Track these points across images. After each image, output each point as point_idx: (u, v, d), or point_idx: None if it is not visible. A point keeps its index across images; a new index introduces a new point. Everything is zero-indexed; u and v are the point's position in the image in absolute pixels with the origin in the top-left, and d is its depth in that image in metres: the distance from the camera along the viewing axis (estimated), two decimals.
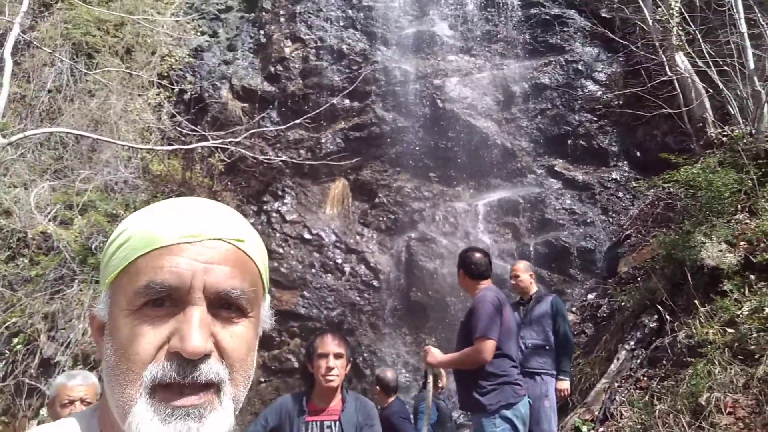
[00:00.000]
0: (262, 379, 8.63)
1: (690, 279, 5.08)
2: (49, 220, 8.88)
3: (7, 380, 7.62)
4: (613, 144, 10.26)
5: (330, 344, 2.86)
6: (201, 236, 0.70)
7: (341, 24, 11.91)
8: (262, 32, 12.03)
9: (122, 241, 0.71)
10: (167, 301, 0.67)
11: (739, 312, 4.52)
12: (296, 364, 8.67)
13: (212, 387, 0.67)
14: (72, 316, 8.41)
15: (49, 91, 10.20)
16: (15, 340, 7.98)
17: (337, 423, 2.77)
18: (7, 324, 8.00)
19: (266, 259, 0.79)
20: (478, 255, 4.00)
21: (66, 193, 9.36)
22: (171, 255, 0.68)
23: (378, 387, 5.25)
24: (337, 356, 2.84)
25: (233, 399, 0.70)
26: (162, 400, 0.65)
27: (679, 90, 7.87)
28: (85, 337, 8.29)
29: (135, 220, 0.73)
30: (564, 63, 10.94)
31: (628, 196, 9.59)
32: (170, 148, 7.10)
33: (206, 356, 0.66)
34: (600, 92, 10.57)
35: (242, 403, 0.73)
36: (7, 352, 7.92)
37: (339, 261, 9.71)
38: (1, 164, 8.49)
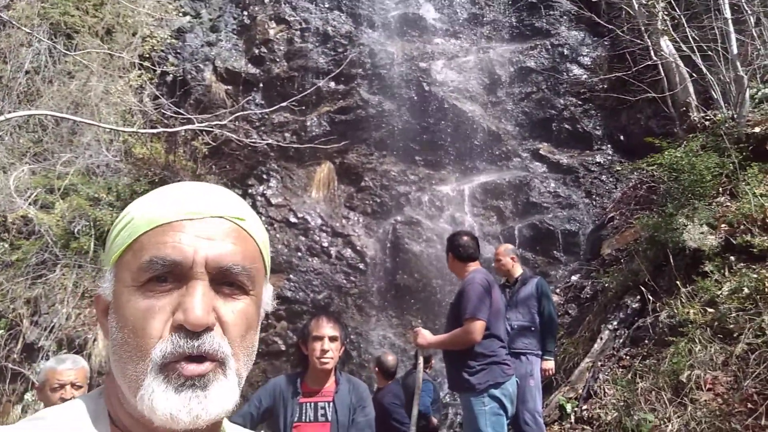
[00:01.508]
0: None
1: (672, 260, 5.18)
2: (30, 204, 8.73)
3: None
4: (597, 128, 10.34)
5: (325, 327, 2.88)
6: (203, 213, 0.71)
7: (326, 5, 11.77)
8: (245, 13, 11.85)
9: (126, 222, 0.73)
10: (170, 277, 0.68)
11: (719, 292, 4.63)
12: (283, 347, 8.70)
13: (216, 360, 0.68)
14: (55, 300, 8.33)
15: (27, 72, 9.96)
16: None
17: (331, 404, 2.80)
18: None
19: (267, 241, 0.81)
20: (465, 238, 4.05)
21: (47, 176, 9.20)
22: (174, 231, 0.69)
23: (377, 369, 5.30)
24: (332, 339, 2.86)
25: (237, 373, 0.71)
26: (172, 370, 0.66)
27: (663, 74, 7.95)
28: (69, 321, 8.23)
29: (138, 203, 0.75)
30: (549, 47, 10.96)
31: (611, 179, 9.71)
32: (154, 131, 7.00)
33: (209, 329, 0.68)
34: (585, 76, 10.63)
35: (244, 380, 0.74)
36: None
37: (325, 244, 9.72)
38: None
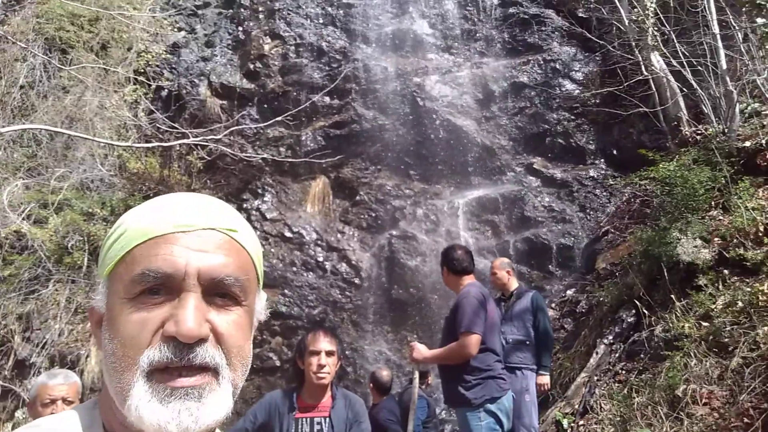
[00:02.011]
0: None
1: (666, 274, 5.20)
2: (23, 219, 8.69)
3: None
4: (590, 142, 10.42)
5: (322, 341, 2.87)
6: (195, 226, 0.71)
7: (321, 21, 11.87)
8: (240, 29, 11.93)
9: (119, 234, 0.73)
10: (163, 289, 0.69)
11: (713, 306, 4.65)
12: (278, 363, 8.64)
13: (210, 370, 0.68)
14: (48, 316, 8.26)
15: (22, 86, 9.96)
16: None
17: (327, 420, 2.78)
18: None
19: (260, 252, 0.81)
20: (459, 251, 4.07)
21: (40, 191, 9.16)
22: (166, 243, 0.69)
23: (372, 385, 5.28)
24: (329, 354, 2.85)
25: (232, 383, 0.71)
26: (160, 381, 0.66)
27: (654, 89, 8.04)
28: (62, 338, 8.15)
29: (131, 215, 0.75)
30: (542, 62, 11.07)
31: (605, 193, 9.76)
32: (149, 145, 7.01)
33: (202, 341, 0.68)
34: (577, 91, 10.73)
35: (239, 390, 0.74)
36: None
37: (320, 259, 9.70)
38: None
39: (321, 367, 2.79)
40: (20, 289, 8.24)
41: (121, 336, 0.68)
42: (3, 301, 8.10)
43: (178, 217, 0.71)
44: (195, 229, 0.71)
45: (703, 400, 3.76)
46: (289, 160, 9.54)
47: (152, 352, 0.66)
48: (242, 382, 0.74)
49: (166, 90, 10.98)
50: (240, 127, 9.54)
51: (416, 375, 4.09)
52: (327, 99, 10.89)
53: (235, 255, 0.73)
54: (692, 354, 4.20)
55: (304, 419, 2.78)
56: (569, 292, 7.92)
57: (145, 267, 0.68)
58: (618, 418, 4.25)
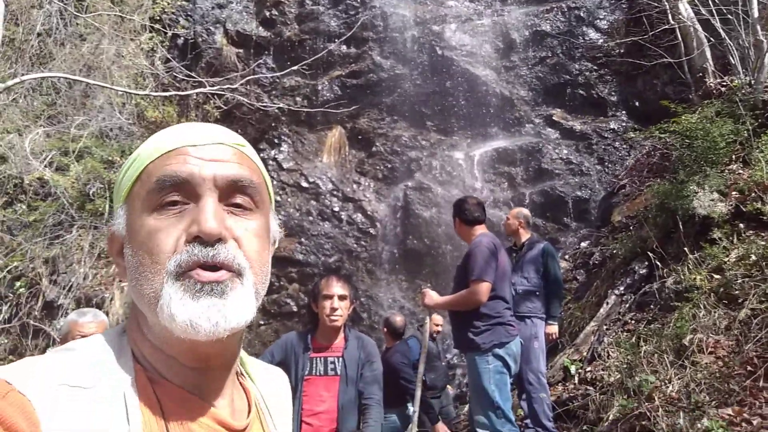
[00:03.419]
0: (262, 322, 8.86)
1: (681, 227, 5.19)
2: (45, 167, 8.86)
3: (13, 322, 7.81)
4: (613, 93, 10.20)
5: (335, 286, 2.97)
6: (204, 141, 0.74)
7: None
8: None
9: (132, 161, 0.75)
10: (181, 197, 0.70)
11: (726, 259, 4.65)
12: (295, 308, 8.88)
13: (233, 271, 0.69)
14: (72, 260, 8.53)
15: (39, 34, 9.96)
16: (17, 284, 8.12)
17: (341, 359, 2.91)
18: (9, 268, 8.12)
19: (267, 172, 0.83)
20: (471, 202, 4.11)
21: (61, 139, 9.31)
22: (179, 155, 0.72)
23: (385, 329, 5.41)
24: (341, 298, 2.95)
25: (254, 286, 0.72)
26: (188, 278, 0.67)
27: (680, 39, 7.78)
28: (86, 281, 8.45)
29: (143, 145, 0.77)
30: (566, 9, 10.74)
31: (624, 146, 9.62)
32: (166, 94, 7.03)
33: (223, 241, 0.69)
34: (601, 41, 10.42)
35: (261, 300, 0.75)
36: (10, 295, 8.07)
37: (336, 209, 9.80)
38: None
39: (334, 310, 2.90)
40: (45, 234, 8.50)
41: (147, 246, 0.69)
42: (30, 245, 8.37)
43: (188, 136, 0.74)
44: (204, 144, 0.73)
45: (709, 349, 3.82)
46: (306, 109, 9.50)
47: (178, 257, 0.67)
48: (263, 289, 0.75)
49: (182, 38, 10.90)
50: (256, 76, 9.48)
51: (428, 320, 4.20)
52: (344, 48, 10.73)
53: (247, 164, 0.76)
54: (701, 305, 4.24)
55: (318, 359, 2.91)
56: (583, 245, 7.95)
57: (160, 175, 0.70)
58: (624, 365, 4.34)
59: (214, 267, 0.68)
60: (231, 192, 0.72)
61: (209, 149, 0.73)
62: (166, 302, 0.66)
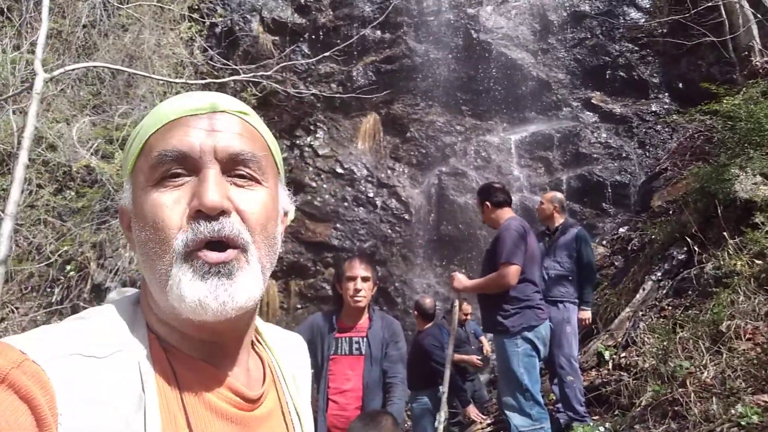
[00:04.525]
0: (299, 306, 9.05)
1: (721, 212, 5.03)
2: (92, 154, 9.20)
3: (65, 303, 8.20)
4: (655, 75, 9.89)
5: (358, 268, 3.03)
6: (205, 109, 0.72)
7: None
8: None
9: (136, 133, 0.75)
10: (182, 170, 0.69)
11: None
12: (330, 292, 9.02)
13: (238, 247, 0.69)
14: (118, 245, 8.87)
15: (84, 26, 10.29)
16: (68, 267, 8.50)
17: (365, 339, 2.97)
18: (59, 252, 8.50)
19: (274, 140, 0.81)
20: (496, 185, 4.15)
21: (106, 128, 9.63)
22: (179, 126, 0.71)
23: (416, 312, 5.46)
24: (365, 279, 3.01)
25: (259, 261, 0.71)
26: (196, 258, 0.67)
27: (725, 16, 7.47)
28: (132, 265, 8.78)
29: (147, 116, 0.76)
30: None
31: (666, 129, 9.34)
32: (202, 81, 7.18)
33: (226, 213, 0.68)
34: (643, 20, 10.10)
35: (269, 273, 0.75)
36: (62, 278, 8.47)
37: (371, 195, 9.86)
38: (44, 100, 8.75)
39: (357, 291, 2.96)
40: (93, 219, 8.85)
41: (152, 221, 0.68)
42: (79, 230, 8.73)
43: (189, 103, 0.72)
44: (206, 112, 0.72)
45: (747, 336, 3.73)
46: (340, 96, 9.55)
47: (185, 234, 0.67)
48: (270, 265, 0.74)
49: (219, 27, 11.09)
50: (291, 63, 9.57)
51: (456, 303, 4.23)
52: (378, 33, 10.72)
53: (249, 134, 0.74)
54: (741, 291, 4.13)
55: (343, 339, 2.98)
56: (622, 230, 7.78)
57: (160, 149, 0.69)
58: (660, 352, 4.27)
59: (220, 244, 0.68)
60: (233, 165, 0.71)
61: (210, 119, 0.72)
62: (176, 283, 0.66)
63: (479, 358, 5.98)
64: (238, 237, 0.69)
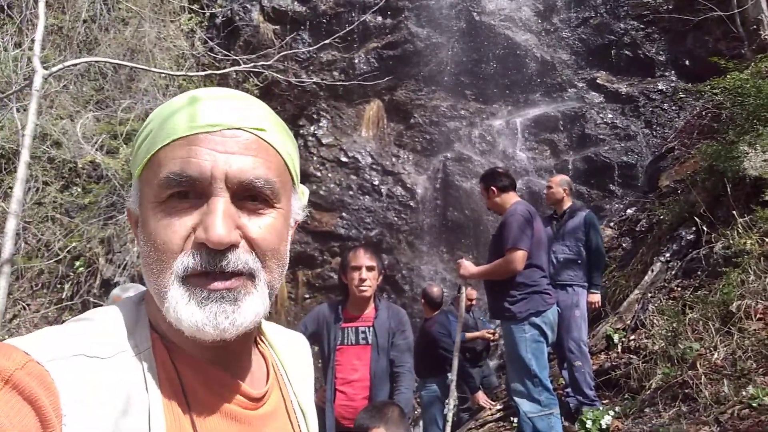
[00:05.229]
0: (307, 296, 9.07)
1: (730, 190, 4.96)
2: (96, 150, 9.21)
3: (75, 299, 8.26)
4: (661, 53, 9.74)
5: (362, 258, 3.02)
6: (219, 126, 0.68)
7: None
8: None
9: (146, 134, 0.71)
10: (192, 193, 0.67)
11: None
12: (338, 282, 9.03)
13: (244, 275, 0.67)
14: (126, 240, 8.91)
15: (84, 21, 10.26)
16: (77, 263, 8.56)
17: (371, 328, 2.97)
18: (68, 248, 8.55)
19: (295, 149, 0.77)
20: (500, 170, 4.13)
21: (110, 123, 9.64)
22: (189, 145, 0.67)
23: (423, 300, 5.47)
24: (369, 269, 2.99)
25: (268, 285, 0.70)
26: (196, 285, 0.65)
27: None
28: (140, 259, 8.82)
29: (158, 111, 0.72)
30: None
31: (674, 107, 9.21)
32: (203, 73, 7.13)
33: (233, 247, 0.66)
34: None
35: (277, 290, 0.74)
36: (71, 274, 8.53)
37: (376, 183, 9.83)
38: (47, 96, 8.75)
39: (362, 281, 2.95)
40: (100, 215, 8.89)
41: (154, 240, 0.67)
42: (86, 226, 8.78)
43: (202, 117, 0.68)
44: (220, 129, 0.68)
45: (758, 316, 3.69)
46: (342, 83, 9.48)
47: (185, 259, 0.65)
48: (279, 282, 0.73)
49: (219, 17, 11.02)
50: (291, 51, 9.50)
51: (463, 290, 4.21)
52: (379, 18, 10.61)
53: (264, 155, 0.70)
54: (751, 270, 4.08)
55: (349, 329, 2.98)
56: (629, 211, 7.71)
57: (169, 171, 0.66)
58: (669, 333, 4.24)
59: (225, 273, 0.66)
60: (245, 191, 0.68)
61: (224, 138, 0.68)
62: (172, 306, 0.65)
63: (490, 330, 5.93)
64: (244, 268, 0.67)
